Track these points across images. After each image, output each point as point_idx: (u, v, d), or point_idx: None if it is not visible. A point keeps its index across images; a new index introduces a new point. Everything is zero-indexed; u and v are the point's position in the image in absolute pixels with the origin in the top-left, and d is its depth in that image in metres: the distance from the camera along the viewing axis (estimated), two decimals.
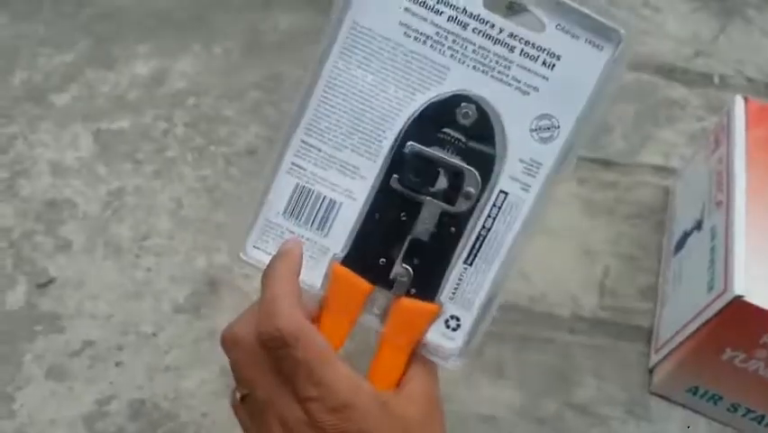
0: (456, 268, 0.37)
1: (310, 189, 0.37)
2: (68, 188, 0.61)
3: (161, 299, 0.56)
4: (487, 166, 0.36)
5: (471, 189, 0.36)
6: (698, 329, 0.48)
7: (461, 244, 0.36)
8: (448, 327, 0.37)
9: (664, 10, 0.81)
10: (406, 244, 0.36)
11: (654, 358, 0.54)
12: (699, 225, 0.55)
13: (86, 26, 0.73)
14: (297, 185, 0.37)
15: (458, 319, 0.37)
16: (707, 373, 0.50)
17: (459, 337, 0.37)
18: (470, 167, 0.35)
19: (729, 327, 0.47)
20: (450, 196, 0.36)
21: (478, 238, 0.36)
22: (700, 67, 0.76)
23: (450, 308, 0.37)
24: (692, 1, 0.82)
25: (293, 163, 0.37)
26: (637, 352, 0.56)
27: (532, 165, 0.36)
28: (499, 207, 0.36)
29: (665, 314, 0.55)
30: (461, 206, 0.36)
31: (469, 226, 0.36)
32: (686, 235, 0.57)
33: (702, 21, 0.80)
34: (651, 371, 0.54)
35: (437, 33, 0.35)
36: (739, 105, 0.56)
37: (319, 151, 0.36)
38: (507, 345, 0.55)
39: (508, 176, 0.36)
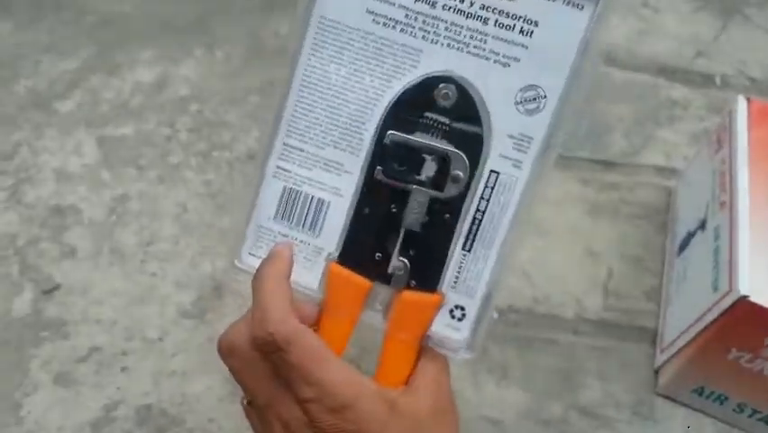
0: (455, 255, 0.36)
1: (298, 191, 0.36)
2: (73, 194, 0.61)
3: (167, 304, 0.56)
4: (474, 146, 0.34)
5: (459, 173, 0.34)
6: (703, 330, 0.48)
7: (457, 231, 0.35)
8: (453, 317, 0.36)
9: (664, 10, 0.81)
10: (400, 236, 0.35)
11: (660, 359, 0.54)
12: (702, 226, 0.55)
13: (89, 33, 0.73)
14: (285, 188, 0.36)
15: (462, 309, 0.36)
16: (712, 373, 0.50)
17: (465, 327, 0.36)
18: (455, 149, 0.34)
19: (734, 327, 0.47)
20: (438, 182, 0.35)
21: (473, 222, 0.35)
22: (702, 67, 0.76)
23: (453, 298, 0.36)
24: (693, 1, 0.83)
25: (278, 167, 0.36)
26: (642, 353, 0.56)
27: (522, 140, 0.34)
28: (492, 188, 0.35)
29: (670, 315, 0.56)
30: (451, 190, 0.35)
31: (463, 211, 0.35)
32: (690, 236, 0.57)
33: (703, 21, 0.80)
34: (656, 372, 0.54)
35: (406, 16, 0.34)
36: (741, 105, 0.56)
37: (301, 151, 0.36)
38: (511, 347, 0.55)
39: (498, 154, 0.34)
